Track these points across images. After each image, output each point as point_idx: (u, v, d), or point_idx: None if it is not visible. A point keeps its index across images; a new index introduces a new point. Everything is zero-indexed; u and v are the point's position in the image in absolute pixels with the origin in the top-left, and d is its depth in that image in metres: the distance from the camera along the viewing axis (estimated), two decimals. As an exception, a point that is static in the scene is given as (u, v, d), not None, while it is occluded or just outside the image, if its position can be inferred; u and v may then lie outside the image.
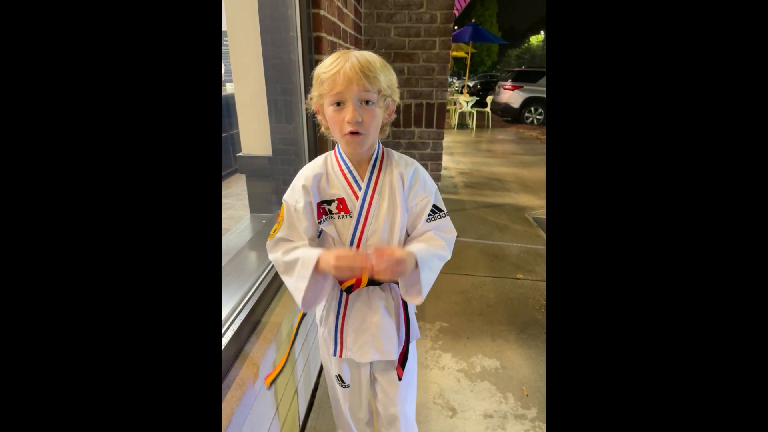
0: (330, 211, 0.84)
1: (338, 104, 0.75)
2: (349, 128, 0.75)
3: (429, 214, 0.86)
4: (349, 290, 0.88)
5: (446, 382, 1.59)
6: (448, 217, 0.89)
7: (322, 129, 0.85)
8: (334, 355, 0.96)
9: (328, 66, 0.74)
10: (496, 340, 1.84)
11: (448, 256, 0.88)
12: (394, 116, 0.85)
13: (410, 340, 0.95)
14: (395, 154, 0.89)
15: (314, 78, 0.78)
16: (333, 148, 0.87)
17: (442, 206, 0.89)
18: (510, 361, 1.70)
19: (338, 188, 0.84)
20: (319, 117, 0.84)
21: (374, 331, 0.92)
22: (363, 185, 0.83)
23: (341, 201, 0.83)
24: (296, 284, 0.81)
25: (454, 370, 1.65)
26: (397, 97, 0.81)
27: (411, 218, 0.88)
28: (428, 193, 0.87)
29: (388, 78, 0.76)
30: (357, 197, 0.83)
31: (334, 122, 0.77)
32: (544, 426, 1.39)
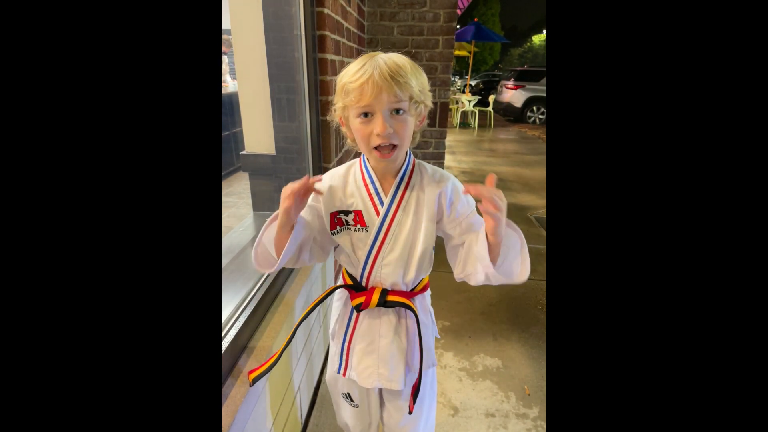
0: (347, 222, 0.79)
1: (365, 115, 0.68)
2: (378, 141, 0.68)
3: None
4: (359, 308, 0.84)
5: (448, 381, 1.59)
6: None
7: (348, 142, 0.79)
8: (338, 372, 0.92)
9: (353, 75, 0.67)
10: (498, 339, 1.84)
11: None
12: (426, 122, 0.77)
13: (424, 370, 0.87)
14: (428, 168, 0.81)
15: (338, 87, 0.72)
16: (338, 148, 0.86)
17: None
18: (512, 361, 1.71)
19: (357, 200, 0.78)
20: (344, 129, 0.77)
21: (381, 354, 0.86)
22: (387, 200, 0.77)
23: (358, 213, 0.78)
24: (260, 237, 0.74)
25: (455, 369, 1.65)
26: (429, 102, 0.73)
27: (458, 232, 0.79)
28: (471, 204, 0.79)
29: (419, 82, 0.69)
30: (377, 212, 0.77)
31: (362, 135, 0.70)
32: (545, 425, 1.39)
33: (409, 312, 0.84)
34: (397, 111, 0.68)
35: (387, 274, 0.80)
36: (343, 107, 0.72)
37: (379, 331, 0.86)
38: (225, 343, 0.84)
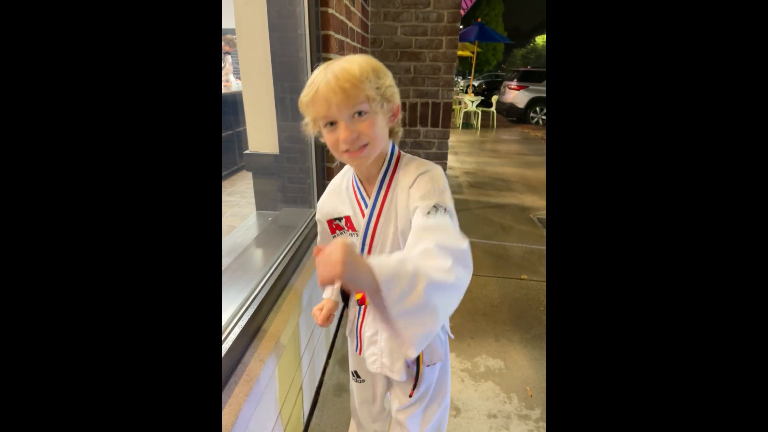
0: (342, 227, 0.83)
1: (331, 124, 0.68)
2: (345, 146, 0.68)
3: (428, 211, 0.67)
4: (359, 302, 0.87)
5: (450, 381, 1.59)
6: (454, 219, 0.69)
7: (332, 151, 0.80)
8: (356, 350, 0.97)
9: (306, 90, 0.69)
10: (500, 341, 1.84)
11: (458, 283, 0.55)
12: (401, 115, 0.76)
13: (426, 365, 0.89)
14: (414, 161, 0.78)
15: (299, 105, 0.72)
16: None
17: (448, 206, 0.70)
18: (514, 362, 1.70)
19: (347, 205, 0.81)
20: (322, 140, 0.76)
21: (382, 346, 0.90)
22: (370, 203, 0.77)
23: (347, 219, 0.81)
24: None
25: (458, 370, 1.65)
26: (396, 98, 0.72)
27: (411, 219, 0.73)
28: (427, 189, 0.71)
29: (374, 82, 0.67)
30: (363, 215, 0.78)
31: (331, 143, 0.71)
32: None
33: None
34: (359, 113, 0.67)
35: None
36: (311, 120, 0.72)
37: (380, 324, 0.88)
38: (228, 342, 0.85)
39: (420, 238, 0.61)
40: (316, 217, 0.89)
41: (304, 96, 0.69)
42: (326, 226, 0.86)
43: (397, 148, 0.79)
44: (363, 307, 0.91)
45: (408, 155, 0.81)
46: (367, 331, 0.92)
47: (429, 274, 0.53)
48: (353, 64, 0.66)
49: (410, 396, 0.94)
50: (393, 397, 1.03)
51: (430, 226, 0.64)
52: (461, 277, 0.57)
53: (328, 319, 0.94)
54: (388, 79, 0.71)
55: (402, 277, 0.52)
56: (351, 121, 0.67)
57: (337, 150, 0.71)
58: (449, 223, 0.66)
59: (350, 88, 0.64)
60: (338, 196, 0.84)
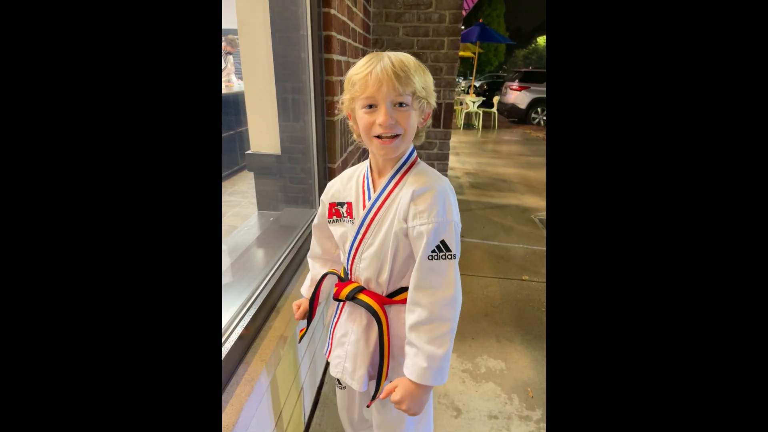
0: (342, 213, 0.84)
1: (370, 107, 0.71)
2: (379, 131, 0.71)
3: (433, 251, 0.72)
4: (333, 296, 0.88)
5: (451, 382, 1.59)
6: (452, 261, 0.73)
7: (354, 136, 0.81)
8: (325, 353, 0.95)
9: (359, 68, 0.72)
10: (501, 341, 1.84)
11: (452, 328, 0.74)
12: (429, 121, 0.79)
13: (387, 379, 0.83)
14: (426, 170, 0.79)
15: (346, 81, 0.75)
16: (343, 148, 0.87)
17: (452, 246, 0.73)
18: (515, 363, 1.70)
19: (352, 192, 0.83)
20: (350, 123, 0.80)
21: (348, 350, 0.87)
22: (375, 195, 0.78)
23: (349, 205, 0.82)
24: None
25: (458, 371, 1.65)
26: (433, 101, 0.76)
27: (411, 237, 0.75)
28: (433, 221, 0.72)
29: (423, 79, 0.72)
30: (365, 206, 0.79)
31: (365, 124, 0.72)
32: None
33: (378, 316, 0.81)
34: (400, 104, 0.71)
35: (363, 268, 0.82)
36: (350, 99, 0.75)
37: (351, 326, 0.87)
38: (230, 342, 0.85)
39: (421, 283, 0.74)
40: (321, 197, 0.91)
41: (356, 73, 0.72)
42: (326, 209, 0.88)
43: (415, 153, 0.81)
44: (341, 304, 0.89)
45: (423, 163, 0.81)
46: (338, 332, 0.90)
47: (436, 354, 0.72)
48: (409, 58, 0.72)
49: (368, 406, 0.92)
50: (371, 414, 1.01)
51: (431, 271, 0.73)
52: (454, 318, 0.74)
53: (303, 315, 0.97)
54: (431, 80, 0.75)
55: (427, 372, 0.72)
56: (392, 109, 0.71)
57: (369, 133, 0.73)
58: (449, 267, 0.73)
59: (404, 77, 0.69)
60: (348, 182, 0.86)
